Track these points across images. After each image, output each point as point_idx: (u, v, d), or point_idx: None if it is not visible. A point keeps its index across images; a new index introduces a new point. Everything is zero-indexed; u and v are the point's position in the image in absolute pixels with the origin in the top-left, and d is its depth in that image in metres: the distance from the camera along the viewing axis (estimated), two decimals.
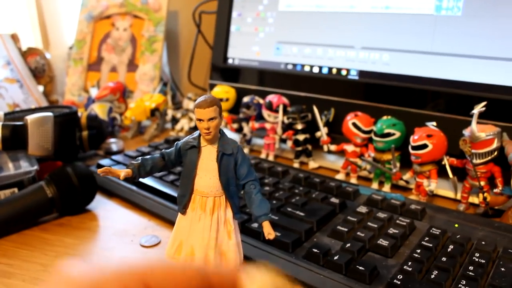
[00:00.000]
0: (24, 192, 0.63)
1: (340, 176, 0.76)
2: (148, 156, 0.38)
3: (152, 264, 0.24)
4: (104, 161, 0.78)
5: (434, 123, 0.67)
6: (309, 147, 0.81)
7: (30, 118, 0.64)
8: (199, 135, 0.37)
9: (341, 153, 0.78)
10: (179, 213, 0.39)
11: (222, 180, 0.36)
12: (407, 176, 0.69)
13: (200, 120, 0.35)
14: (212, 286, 0.24)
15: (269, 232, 0.36)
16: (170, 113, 1.02)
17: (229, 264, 0.38)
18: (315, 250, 0.50)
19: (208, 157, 0.36)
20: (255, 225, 0.55)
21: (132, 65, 1.19)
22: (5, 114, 0.74)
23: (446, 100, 0.70)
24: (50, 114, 0.66)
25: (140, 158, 0.37)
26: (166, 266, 0.24)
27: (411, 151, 0.66)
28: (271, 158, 0.85)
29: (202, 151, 0.36)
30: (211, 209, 0.37)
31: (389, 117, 0.72)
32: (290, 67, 0.88)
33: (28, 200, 0.63)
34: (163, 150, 0.38)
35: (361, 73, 0.79)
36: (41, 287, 0.49)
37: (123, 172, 0.36)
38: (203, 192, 0.37)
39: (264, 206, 0.37)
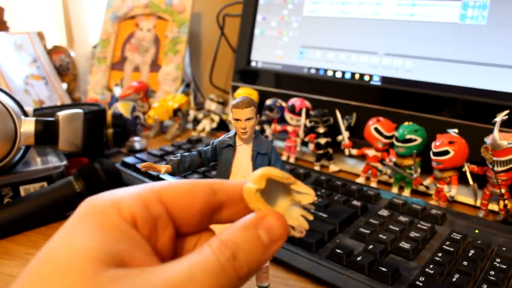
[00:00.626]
0: (54, 186, 0.65)
1: (361, 180, 0.77)
2: (186, 153, 0.39)
3: (167, 182, 0.26)
4: (129, 159, 0.80)
5: (456, 130, 0.68)
6: (330, 150, 0.82)
7: (61, 114, 0.66)
8: (235, 134, 0.38)
9: (362, 157, 0.79)
10: None
11: None
12: (427, 181, 0.70)
13: (237, 120, 0.36)
14: (220, 197, 0.26)
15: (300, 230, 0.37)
16: (192, 113, 1.04)
17: None
18: (339, 251, 0.51)
19: (243, 156, 0.38)
20: None
21: (155, 65, 1.21)
22: (34, 110, 0.76)
23: (468, 108, 0.71)
24: (80, 111, 0.68)
25: (179, 154, 0.39)
26: (179, 183, 0.26)
27: (433, 157, 0.67)
28: (292, 160, 0.86)
29: (237, 150, 0.38)
30: None
31: (410, 123, 0.73)
32: (313, 71, 0.90)
33: (57, 194, 0.65)
34: (199, 148, 0.40)
35: (384, 79, 0.80)
36: None
37: (164, 167, 0.38)
38: None
39: None
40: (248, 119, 0.36)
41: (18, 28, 1.43)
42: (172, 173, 0.38)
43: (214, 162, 0.39)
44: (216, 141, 0.39)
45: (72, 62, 1.28)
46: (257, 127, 0.87)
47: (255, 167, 0.37)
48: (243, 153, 0.38)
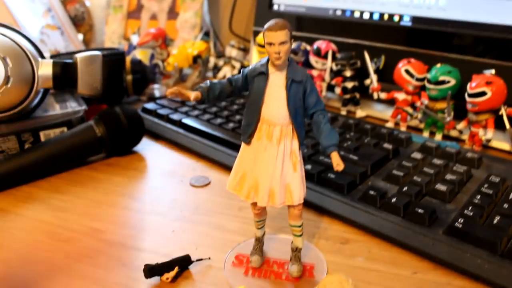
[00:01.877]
0: (74, 131, 0.64)
1: (389, 125, 0.74)
2: (215, 81, 0.36)
3: None
4: (150, 105, 0.78)
5: (493, 71, 0.64)
6: (357, 95, 0.79)
7: (79, 56, 0.64)
8: (267, 61, 0.35)
9: (389, 102, 0.76)
10: (243, 143, 0.37)
11: (291, 108, 0.35)
12: (461, 125, 0.67)
13: (270, 44, 0.33)
14: None
15: (338, 163, 0.35)
16: (212, 60, 1.00)
17: (293, 197, 0.37)
18: (372, 192, 0.49)
19: (276, 84, 0.35)
20: (309, 167, 0.54)
21: (172, 13, 1.17)
22: (51, 57, 0.73)
23: (506, 47, 0.67)
24: (98, 53, 0.66)
25: (208, 81, 0.36)
26: None
27: (468, 99, 0.63)
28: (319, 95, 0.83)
29: (270, 78, 0.35)
30: (278, 139, 0.36)
31: (443, 64, 0.69)
32: (339, 12, 0.85)
33: (78, 139, 0.63)
34: (229, 76, 0.37)
35: (415, 19, 0.76)
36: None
37: (193, 94, 0.35)
38: (270, 121, 0.35)
39: (334, 137, 0.35)
40: (282, 42, 0.33)
41: None
42: (201, 101, 0.36)
43: (244, 91, 0.37)
44: (247, 69, 0.36)
45: (87, 11, 1.25)
46: None
47: (289, 96, 0.35)
48: (277, 81, 0.35)
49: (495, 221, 0.44)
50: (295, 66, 0.35)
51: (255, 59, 0.94)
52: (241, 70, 0.36)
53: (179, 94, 0.34)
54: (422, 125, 0.72)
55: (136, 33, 1.17)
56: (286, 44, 0.33)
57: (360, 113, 0.80)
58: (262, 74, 0.35)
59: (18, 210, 0.53)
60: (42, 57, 0.64)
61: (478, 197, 0.48)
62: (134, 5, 1.23)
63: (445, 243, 0.43)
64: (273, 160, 0.36)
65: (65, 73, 0.63)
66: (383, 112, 0.80)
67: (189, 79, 0.99)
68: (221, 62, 0.99)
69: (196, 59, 0.99)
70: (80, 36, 1.25)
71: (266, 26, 0.33)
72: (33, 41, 0.63)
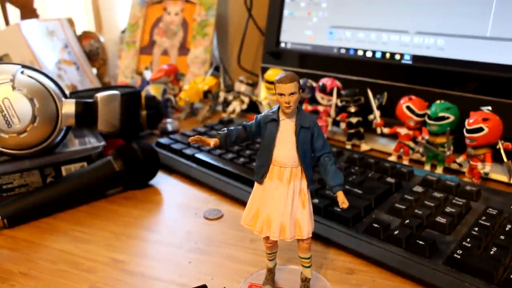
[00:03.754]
0: (94, 166, 0.68)
1: (392, 159, 0.77)
2: (232, 128, 0.40)
3: None
4: (164, 140, 0.82)
5: (489, 108, 0.68)
6: (361, 129, 0.83)
7: (99, 95, 0.68)
8: (278, 109, 0.39)
9: (393, 136, 0.79)
10: (256, 183, 0.41)
11: (300, 152, 0.39)
12: (460, 159, 0.70)
13: (281, 94, 0.37)
14: None
15: (343, 201, 0.39)
16: (222, 95, 1.05)
17: (302, 232, 0.41)
18: (376, 225, 0.52)
19: (286, 129, 0.39)
20: (316, 200, 0.58)
21: (183, 49, 1.22)
22: (70, 94, 0.78)
23: (502, 85, 0.71)
24: (117, 92, 0.70)
25: (225, 128, 0.40)
26: None
27: (466, 134, 0.67)
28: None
29: (281, 124, 0.39)
30: (288, 179, 0.39)
31: (443, 101, 0.73)
32: (343, 51, 0.90)
33: (97, 173, 0.67)
34: (244, 122, 0.41)
35: (415, 58, 0.80)
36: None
37: (212, 141, 0.39)
38: (281, 163, 0.39)
39: (339, 177, 0.39)
40: (292, 93, 0.37)
41: (47, 15, 1.46)
42: (219, 146, 0.40)
43: (258, 137, 0.40)
44: (260, 116, 0.40)
45: (101, 47, 1.30)
46: None
47: (298, 140, 0.38)
48: (287, 127, 0.39)
49: (492, 252, 0.47)
50: (303, 113, 0.39)
51: (263, 94, 0.98)
52: (255, 117, 0.40)
53: (200, 141, 0.38)
54: (424, 159, 0.75)
55: (149, 68, 1.22)
56: (295, 94, 0.37)
57: (364, 146, 0.83)
58: (274, 120, 0.39)
59: (43, 241, 0.57)
60: (65, 96, 0.68)
61: (476, 229, 0.51)
62: (147, 41, 1.29)
63: (444, 273, 0.45)
64: (284, 198, 0.39)
65: (87, 112, 0.67)
66: (386, 146, 0.83)
67: (200, 113, 1.04)
68: (230, 97, 1.03)
69: (206, 94, 1.03)
70: (94, 71, 1.30)
71: (277, 78, 0.37)
72: (56, 81, 0.67)
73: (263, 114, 0.40)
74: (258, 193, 0.41)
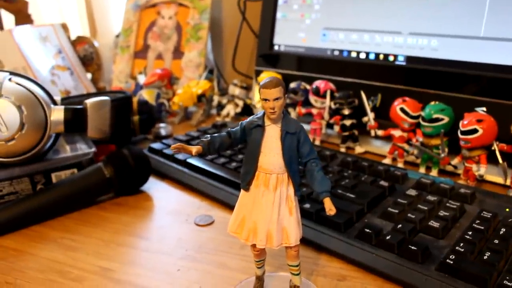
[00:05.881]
0: (84, 173, 0.67)
1: (387, 161, 0.76)
2: (216, 134, 0.39)
3: None
4: (156, 145, 0.81)
5: (484, 109, 0.67)
6: (356, 132, 0.82)
7: (89, 101, 0.67)
8: (263, 114, 0.38)
9: (387, 138, 0.79)
10: (242, 190, 0.40)
11: (285, 158, 0.38)
12: (455, 161, 0.70)
13: (265, 100, 0.36)
14: None
15: (330, 208, 0.38)
16: (216, 99, 1.04)
17: (290, 239, 0.40)
18: (367, 230, 0.51)
19: (272, 135, 0.38)
20: (307, 205, 0.57)
21: (177, 53, 1.22)
22: (62, 99, 0.77)
23: (496, 85, 0.70)
24: (107, 98, 0.69)
25: (209, 136, 0.39)
26: None
27: (461, 136, 0.66)
28: (317, 143, 0.86)
29: (266, 130, 0.38)
30: (274, 186, 0.38)
31: (437, 102, 0.72)
32: (336, 53, 0.89)
33: (88, 180, 0.66)
34: (229, 129, 0.40)
35: (409, 59, 0.79)
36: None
37: (194, 148, 0.38)
38: (267, 170, 0.38)
39: (326, 183, 0.38)
40: (277, 98, 0.36)
41: (42, 20, 1.46)
42: (202, 154, 0.39)
43: (243, 143, 0.40)
44: (245, 122, 0.39)
45: (95, 52, 1.30)
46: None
47: (284, 146, 0.38)
48: (272, 132, 0.38)
49: (485, 257, 0.46)
50: (289, 118, 0.38)
51: (257, 97, 0.97)
52: (240, 123, 0.39)
53: (182, 149, 0.37)
54: (418, 161, 0.75)
55: (143, 72, 1.21)
56: (280, 99, 0.36)
57: (359, 149, 0.82)
58: (259, 126, 0.38)
59: (31, 250, 0.56)
60: (54, 103, 0.67)
61: (470, 233, 0.50)
62: (141, 45, 1.28)
63: (437, 279, 0.45)
64: (270, 205, 0.39)
65: (76, 119, 0.66)
66: (381, 148, 0.82)
67: (194, 117, 1.03)
68: (224, 100, 1.03)
69: (200, 98, 1.02)
70: (89, 75, 1.29)
71: (261, 83, 0.37)
72: (45, 88, 0.67)
73: (248, 120, 0.39)
74: (244, 200, 0.40)
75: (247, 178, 0.39)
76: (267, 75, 0.94)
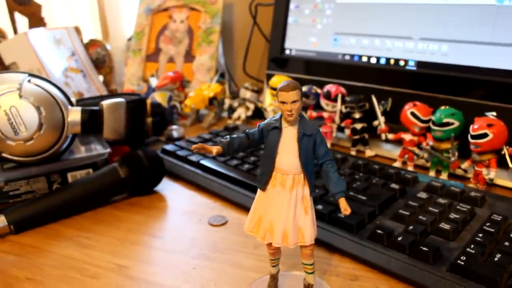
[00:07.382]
0: (99, 173, 0.68)
1: (397, 165, 0.77)
2: (234, 136, 0.41)
3: None
4: (169, 146, 0.82)
5: (494, 113, 0.68)
6: (366, 135, 0.83)
7: (105, 103, 0.69)
8: (280, 117, 0.39)
9: (397, 142, 0.80)
10: (259, 190, 0.41)
11: (302, 159, 0.39)
12: (465, 165, 0.70)
13: (283, 102, 0.37)
14: None
15: (345, 208, 0.39)
16: (227, 102, 1.05)
17: (305, 238, 0.41)
18: (379, 231, 0.52)
19: (289, 137, 0.39)
20: (320, 207, 0.58)
21: (189, 56, 1.23)
22: (76, 101, 0.79)
23: (506, 90, 0.71)
24: (123, 100, 0.70)
25: (228, 136, 0.40)
26: None
27: (471, 140, 0.67)
28: (328, 146, 0.86)
29: (283, 132, 0.39)
30: (291, 186, 0.40)
31: (447, 107, 0.73)
32: (347, 57, 0.90)
33: (103, 180, 0.67)
34: (247, 130, 0.41)
35: (419, 64, 0.80)
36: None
37: (215, 148, 0.39)
38: (283, 170, 0.39)
39: (341, 184, 0.39)
40: (294, 101, 0.37)
41: (55, 24, 1.48)
42: (222, 154, 0.40)
43: (260, 144, 0.41)
44: (263, 124, 0.40)
45: (108, 55, 1.31)
46: None
47: (300, 147, 0.39)
48: (289, 134, 0.39)
49: (496, 259, 0.47)
50: (306, 120, 0.39)
51: (268, 100, 0.99)
52: (257, 125, 0.41)
53: (202, 148, 0.39)
54: (428, 164, 0.75)
55: (154, 75, 1.23)
56: (297, 102, 0.37)
57: (369, 152, 0.83)
58: (276, 128, 0.39)
59: (48, 247, 0.57)
60: (71, 104, 0.69)
61: (481, 235, 0.51)
62: (153, 48, 1.30)
63: (448, 279, 0.45)
64: (287, 205, 0.40)
65: (92, 120, 0.68)
66: (391, 151, 0.83)
67: (205, 120, 1.04)
68: (235, 103, 1.04)
69: (212, 100, 1.04)
70: (101, 78, 1.31)
71: (279, 86, 0.38)
72: (63, 90, 0.68)
73: (265, 121, 0.40)
74: (261, 199, 0.41)
75: (264, 178, 0.40)
76: (278, 78, 0.95)
